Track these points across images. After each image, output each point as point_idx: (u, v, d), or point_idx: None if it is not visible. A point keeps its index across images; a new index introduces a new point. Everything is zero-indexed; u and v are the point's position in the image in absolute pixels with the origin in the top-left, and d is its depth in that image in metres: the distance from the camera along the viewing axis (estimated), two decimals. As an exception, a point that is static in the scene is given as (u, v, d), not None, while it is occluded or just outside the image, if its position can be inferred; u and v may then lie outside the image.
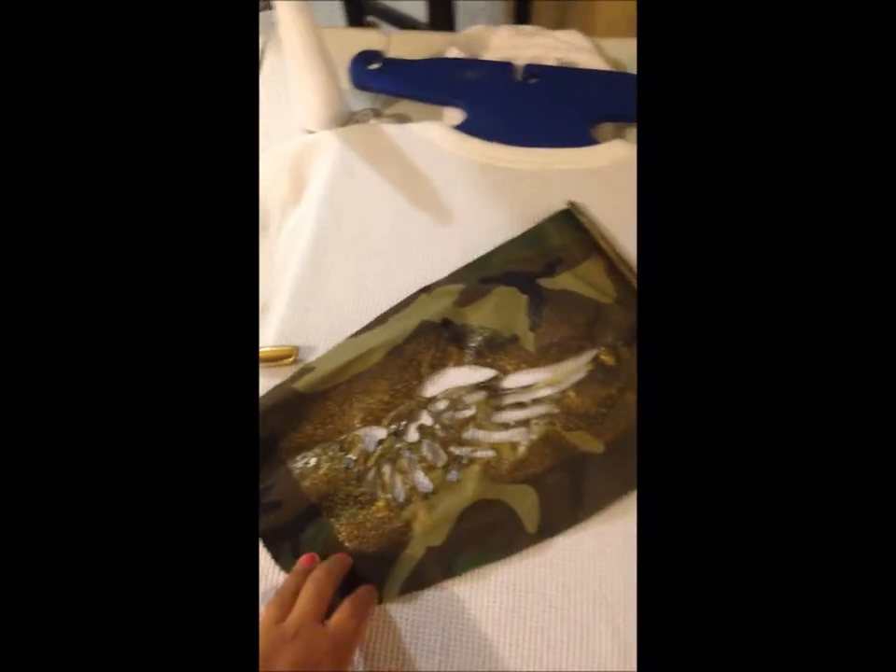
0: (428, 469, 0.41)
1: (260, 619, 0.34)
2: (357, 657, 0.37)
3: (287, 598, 0.35)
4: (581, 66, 0.60)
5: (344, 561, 0.38)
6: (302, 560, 0.38)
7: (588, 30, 0.63)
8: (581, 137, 0.54)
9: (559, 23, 0.81)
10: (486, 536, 0.39)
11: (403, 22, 1.13)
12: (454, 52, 0.60)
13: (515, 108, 0.56)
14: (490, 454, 0.42)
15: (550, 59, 0.60)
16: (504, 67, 0.58)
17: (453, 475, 0.41)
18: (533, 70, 0.58)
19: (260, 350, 0.44)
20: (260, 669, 0.30)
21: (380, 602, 0.38)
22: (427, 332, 0.44)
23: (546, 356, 0.44)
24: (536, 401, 0.43)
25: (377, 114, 0.56)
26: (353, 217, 0.50)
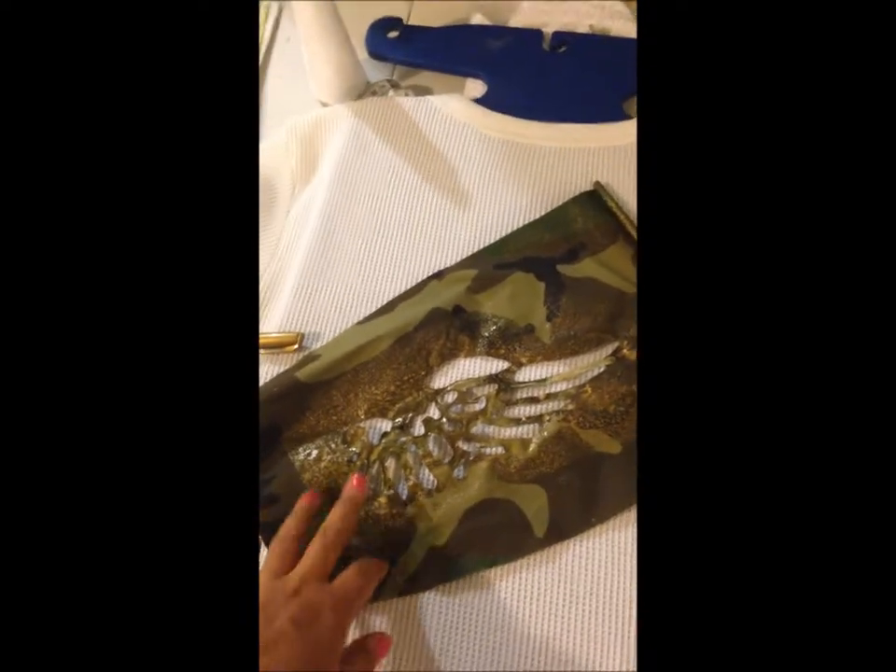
0: (434, 464, 0.39)
1: (260, 569, 0.33)
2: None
3: (288, 546, 0.34)
4: (615, 34, 0.55)
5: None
6: (302, 500, 0.36)
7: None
8: (613, 112, 0.51)
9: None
10: (492, 537, 0.37)
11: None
12: (479, 19, 0.57)
13: (541, 80, 0.52)
14: (499, 450, 0.39)
15: (582, 26, 0.56)
16: (531, 35, 0.54)
17: (459, 472, 0.39)
18: (562, 38, 0.54)
19: (264, 336, 0.42)
20: (260, 623, 0.30)
21: (378, 600, 0.36)
22: (437, 320, 0.42)
23: (563, 348, 0.42)
24: (550, 396, 0.41)
25: (395, 86, 0.53)
26: (364, 197, 0.48)
